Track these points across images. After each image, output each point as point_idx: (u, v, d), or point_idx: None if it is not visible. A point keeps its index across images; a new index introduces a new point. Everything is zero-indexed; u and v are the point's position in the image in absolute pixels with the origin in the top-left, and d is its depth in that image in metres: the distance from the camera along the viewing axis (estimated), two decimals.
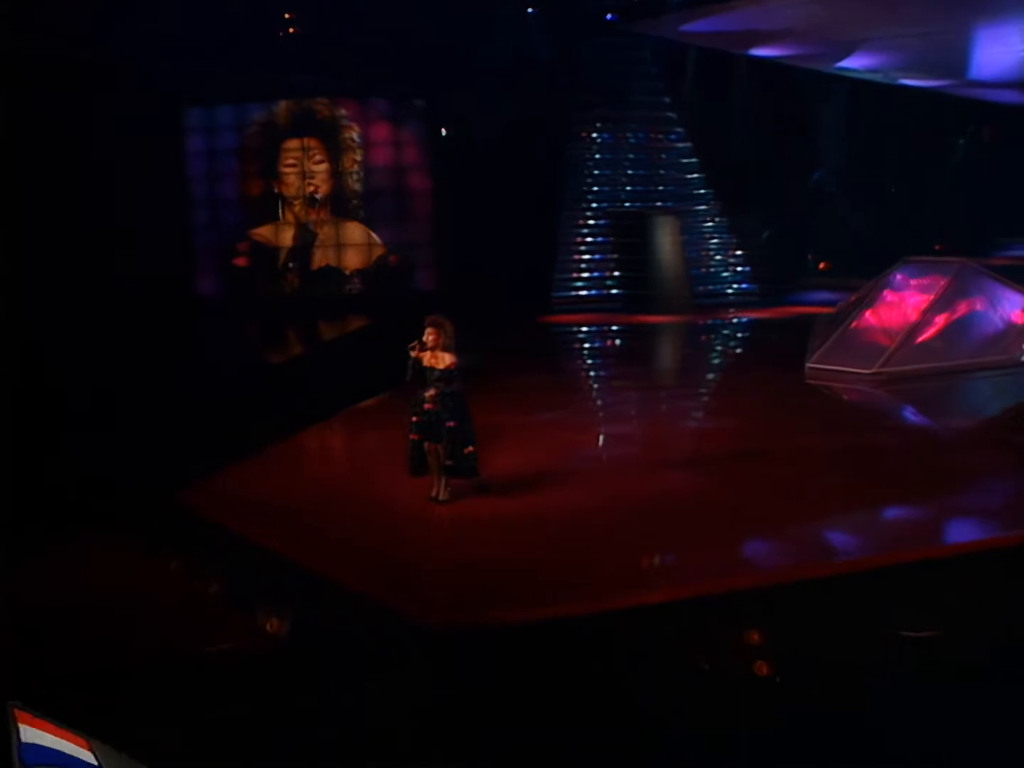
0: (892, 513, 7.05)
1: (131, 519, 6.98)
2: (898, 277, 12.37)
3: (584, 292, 17.82)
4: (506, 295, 15.74)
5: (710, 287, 17.90)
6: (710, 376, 12.15)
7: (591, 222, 18.27)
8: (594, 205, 18.29)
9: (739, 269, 18.06)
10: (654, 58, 18.00)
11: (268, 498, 7.38)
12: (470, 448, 7.39)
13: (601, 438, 9.25)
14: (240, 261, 17.47)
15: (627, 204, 18.21)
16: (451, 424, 7.30)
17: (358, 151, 17.45)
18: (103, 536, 6.53)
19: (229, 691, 4.61)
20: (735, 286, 17.87)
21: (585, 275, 18.05)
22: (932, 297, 11.58)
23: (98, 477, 7.39)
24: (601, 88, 18.17)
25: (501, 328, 14.09)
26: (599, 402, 10.75)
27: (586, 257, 18.15)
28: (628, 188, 18.39)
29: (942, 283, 11.73)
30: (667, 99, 18.22)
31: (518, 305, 15.74)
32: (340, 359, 13.45)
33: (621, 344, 15.28)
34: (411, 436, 7.46)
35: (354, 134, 17.38)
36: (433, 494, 7.51)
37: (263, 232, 17.79)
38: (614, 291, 17.78)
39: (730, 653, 4.91)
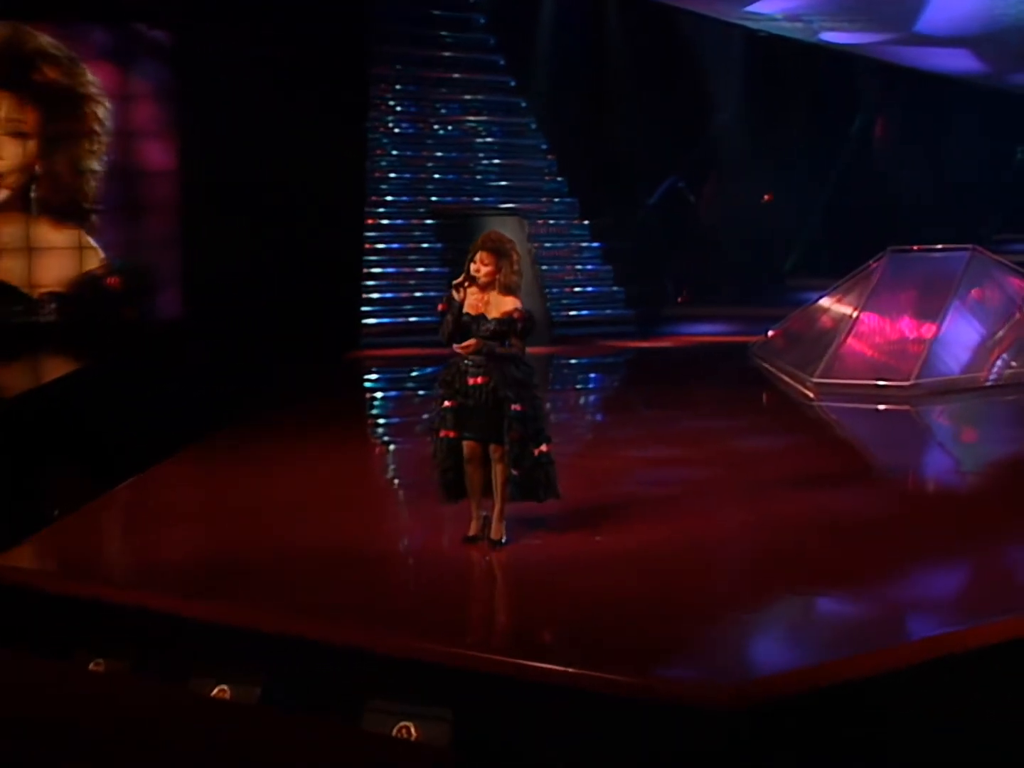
0: None
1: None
2: (886, 273, 13.12)
3: (410, 319, 17.16)
4: (292, 324, 14.77)
5: (572, 312, 17.83)
6: (699, 400, 12.32)
7: (384, 222, 17.79)
8: (388, 199, 17.84)
9: (609, 289, 18.16)
10: (483, 2, 18.03)
11: (197, 566, 6.73)
12: (544, 447, 6.55)
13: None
14: None
15: (433, 199, 17.93)
16: (517, 408, 6.46)
17: (101, 126, 15.72)
18: None
19: None
20: (605, 311, 17.92)
21: (404, 295, 17.41)
22: (948, 294, 12.23)
23: None
24: (403, 39, 17.88)
25: (293, 370, 13.56)
26: (597, 428, 10.87)
27: (400, 271, 17.52)
28: (437, 176, 18.16)
29: (953, 276, 12.41)
30: (501, 61, 18.21)
31: (311, 338, 14.81)
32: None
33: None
34: (442, 433, 6.62)
35: (103, 102, 15.63)
36: (472, 532, 6.75)
37: None
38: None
39: None
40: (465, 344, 6.45)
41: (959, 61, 16.29)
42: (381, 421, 12.82)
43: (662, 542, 6.80)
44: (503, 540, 6.62)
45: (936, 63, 16.93)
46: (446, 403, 6.56)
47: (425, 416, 12.32)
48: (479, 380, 6.45)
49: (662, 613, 5.74)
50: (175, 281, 16.35)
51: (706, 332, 17.58)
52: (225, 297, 15.31)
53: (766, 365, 13.56)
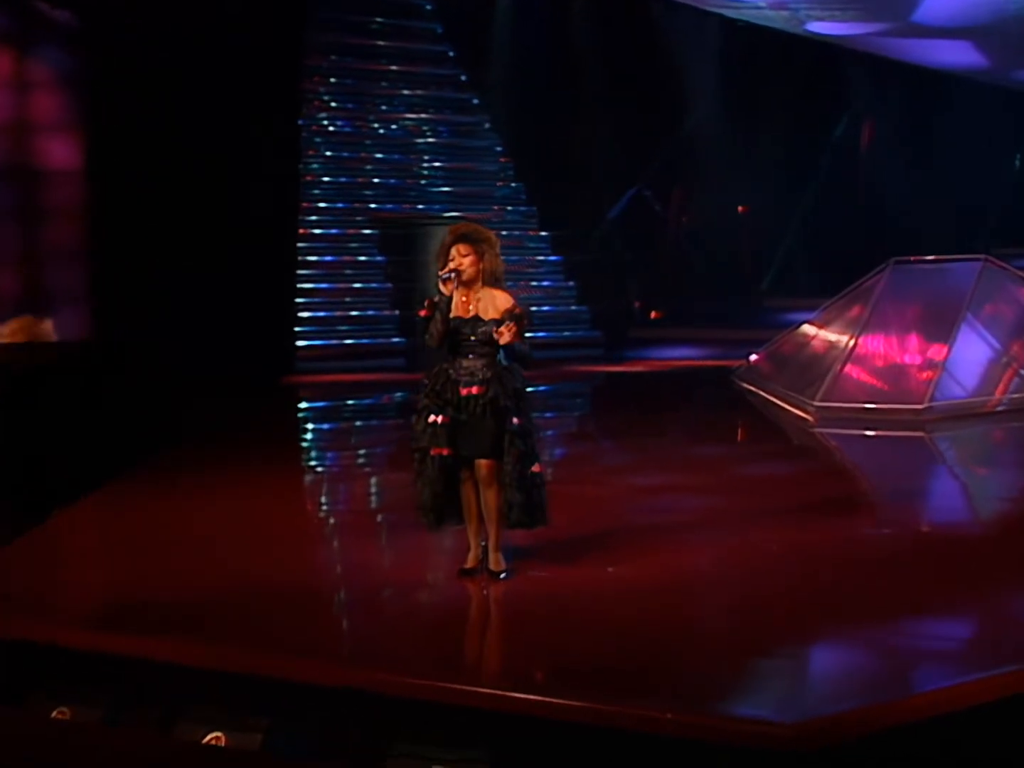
0: None
1: None
2: (889, 287, 13.31)
3: (347, 341, 17.17)
4: (217, 345, 14.74)
5: (528, 334, 17.90)
6: (689, 427, 12.62)
7: (317, 232, 17.88)
8: (322, 205, 17.90)
9: (570, 308, 18.29)
10: None
11: (161, 602, 6.64)
12: (537, 466, 6.62)
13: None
14: None
15: (372, 206, 18.06)
16: (517, 421, 6.51)
17: None
18: None
19: None
20: (563, 333, 18.02)
21: (339, 314, 17.38)
22: (959, 309, 12.52)
23: None
24: (339, 26, 17.96)
25: (219, 399, 13.55)
26: (585, 456, 11.12)
27: (335, 287, 17.52)
28: (376, 181, 18.24)
29: (963, 290, 12.69)
30: (451, 51, 18.32)
31: (239, 362, 14.79)
32: None
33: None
34: (433, 451, 6.55)
35: None
36: (470, 564, 6.78)
37: None
38: (389, 339, 17.27)
39: None
40: (511, 328, 6.33)
41: (959, 55, 16.60)
42: (316, 455, 12.79)
43: (679, 573, 6.90)
44: (504, 572, 6.65)
45: (933, 57, 17.21)
46: (436, 418, 6.52)
47: (363, 451, 12.55)
48: (474, 390, 6.47)
49: (695, 647, 5.86)
50: (81, 298, 16.21)
51: (680, 356, 17.74)
52: (140, 316, 15.20)
53: (754, 389, 13.74)
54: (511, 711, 5.02)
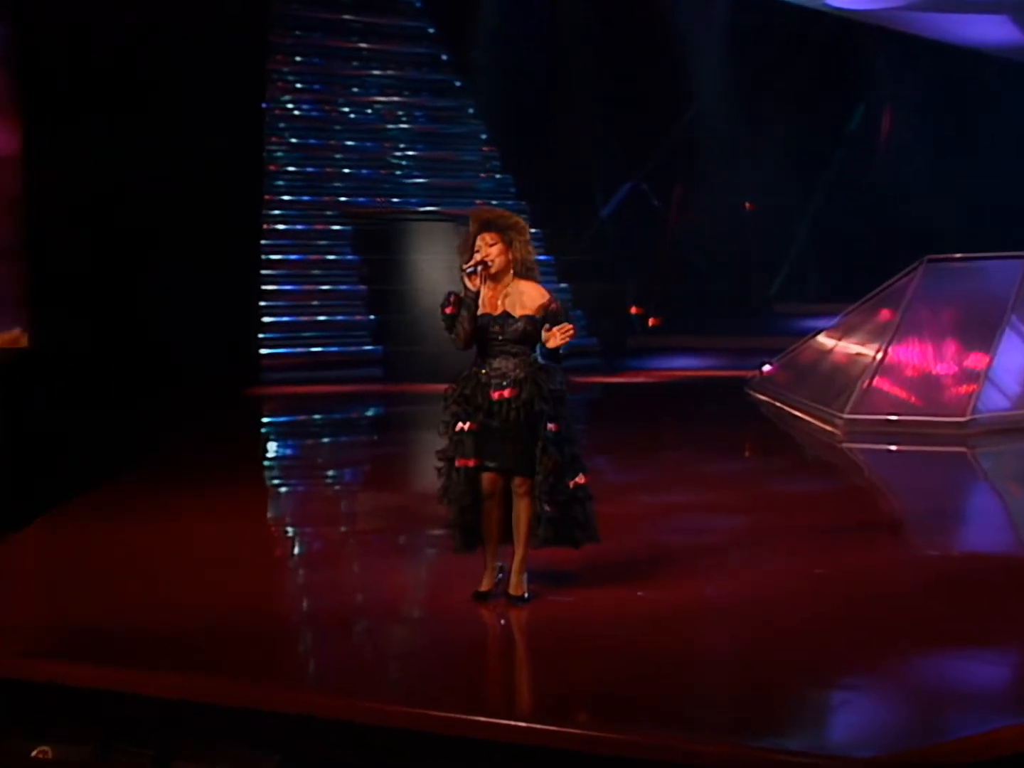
0: None
1: None
2: (922, 288, 13.32)
3: (313, 348, 17.21)
4: (173, 354, 14.72)
5: None
6: (707, 441, 12.60)
7: (281, 227, 17.87)
8: (286, 198, 17.96)
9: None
10: None
11: (141, 632, 6.61)
12: (580, 478, 6.63)
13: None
14: None
15: (343, 199, 18.17)
16: (553, 427, 6.53)
17: None
18: None
19: None
20: None
21: (306, 319, 17.40)
22: (1002, 311, 12.71)
23: None
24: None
25: (175, 413, 13.54)
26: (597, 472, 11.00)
27: (300, 288, 17.51)
28: (347, 171, 18.27)
29: (1006, 290, 12.83)
30: (431, 28, 18.40)
31: (197, 372, 14.79)
32: None
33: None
34: (459, 462, 6.63)
35: None
36: (485, 587, 6.78)
37: None
38: (362, 347, 17.28)
39: None
40: (565, 331, 6.33)
41: (995, 31, 16.59)
42: (280, 474, 12.79)
43: (714, 597, 6.98)
44: (526, 596, 6.62)
45: (965, 34, 17.15)
46: (464, 425, 6.56)
47: (332, 473, 12.52)
48: (506, 394, 6.52)
49: (738, 676, 5.93)
50: (17, 301, 16.12)
51: (684, 366, 17.89)
52: (83, 320, 15.12)
53: (771, 401, 13.83)
54: (539, 744, 5.07)
